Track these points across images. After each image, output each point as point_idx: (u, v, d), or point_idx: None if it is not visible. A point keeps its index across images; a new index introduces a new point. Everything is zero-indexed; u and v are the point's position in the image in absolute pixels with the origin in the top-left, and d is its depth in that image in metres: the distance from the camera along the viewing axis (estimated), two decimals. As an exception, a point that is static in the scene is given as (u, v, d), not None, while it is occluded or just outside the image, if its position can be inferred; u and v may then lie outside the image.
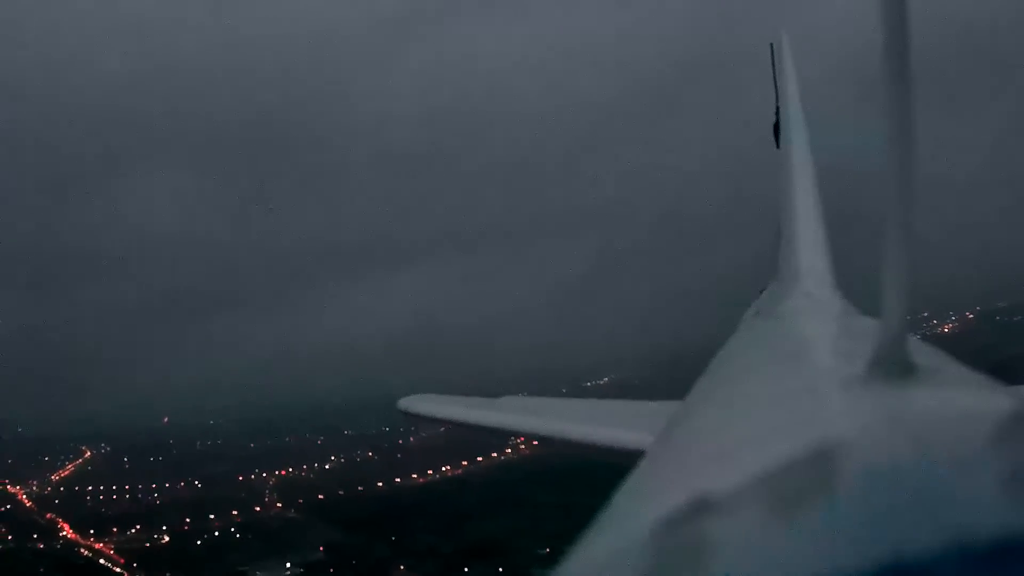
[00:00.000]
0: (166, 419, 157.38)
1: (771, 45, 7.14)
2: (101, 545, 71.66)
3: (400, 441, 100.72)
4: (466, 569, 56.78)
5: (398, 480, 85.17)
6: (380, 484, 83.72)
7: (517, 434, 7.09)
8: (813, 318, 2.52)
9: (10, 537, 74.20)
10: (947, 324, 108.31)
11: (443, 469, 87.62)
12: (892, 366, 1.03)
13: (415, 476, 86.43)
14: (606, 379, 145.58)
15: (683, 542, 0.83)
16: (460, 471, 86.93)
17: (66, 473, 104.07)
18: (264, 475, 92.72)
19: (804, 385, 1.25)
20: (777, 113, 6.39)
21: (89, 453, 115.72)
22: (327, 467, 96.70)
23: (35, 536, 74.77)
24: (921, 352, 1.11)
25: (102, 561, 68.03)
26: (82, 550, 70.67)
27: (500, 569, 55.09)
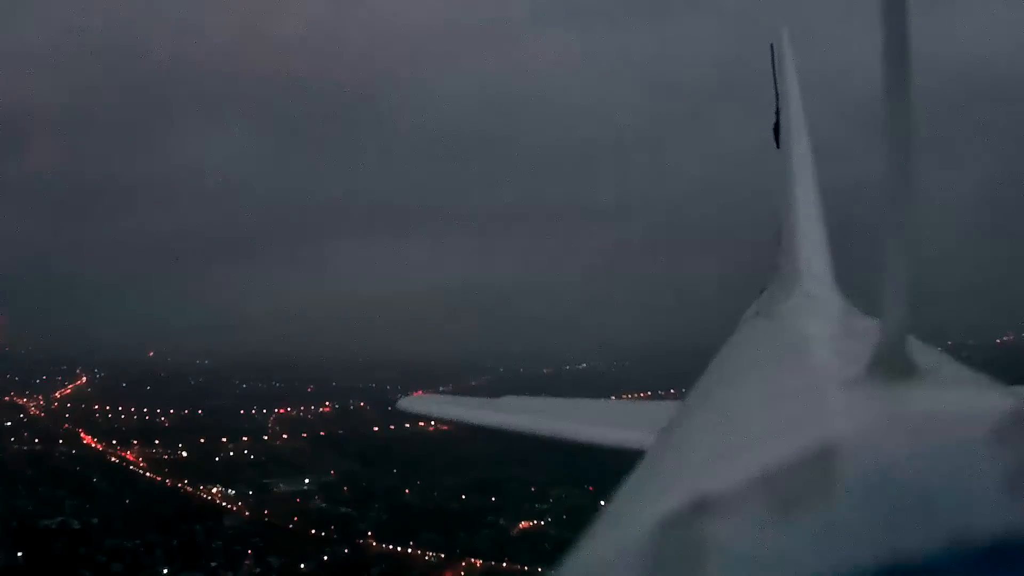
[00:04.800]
0: (151, 352, 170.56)
1: (771, 45, 7.33)
2: (127, 454, 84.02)
3: (389, 392, 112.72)
4: (464, 497, 70.00)
5: (392, 427, 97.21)
6: (376, 428, 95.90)
7: (517, 434, 7.20)
8: (813, 318, 2.61)
9: (37, 440, 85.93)
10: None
11: (432, 424, 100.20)
12: (892, 366, 1.06)
13: (407, 425, 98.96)
14: (584, 365, 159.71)
15: (683, 542, 0.85)
16: (450, 428, 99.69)
17: (67, 392, 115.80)
18: (264, 411, 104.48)
19: (804, 385, 1.30)
20: (777, 113, 6.56)
21: (85, 377, 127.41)
22: (322, 411, 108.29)
23: (60, 442, 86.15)
24: (921, 352, 1.14)
25: (131, 468, 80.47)
26: (111, 457, 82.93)
27: (493, 498, 68.50)
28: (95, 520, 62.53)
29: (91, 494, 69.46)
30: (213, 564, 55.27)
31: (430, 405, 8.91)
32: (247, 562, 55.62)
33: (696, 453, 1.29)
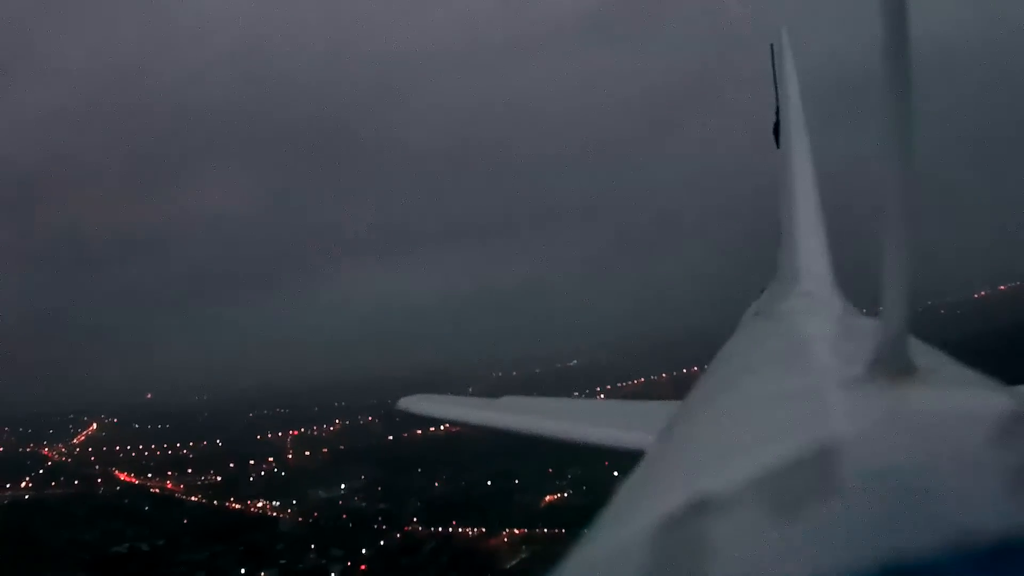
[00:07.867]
0: (149, 395, 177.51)
1: (771, 45, 7.36)
2: (166, 484, 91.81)
3: (390, 405, 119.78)
4: (489, 483, 78.80)
5: (405, 435, 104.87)
6: (390, 438, 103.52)
7: (517, 434, 7.09)
8: (813, 318, 2.62)
9: (76, 482, 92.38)
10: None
11: (442, 427, 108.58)
12: (892, 366, 1.08)
13: (419, 432, 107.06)
14: (575, 362, 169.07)
15: (683, 542, 0.87)
16: (459, 428, 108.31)
17: (83, 439, 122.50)
18: (280, 434, 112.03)
19: (804, 385, 1.32)
20: (777, 113, 6.62)
21: (95, 425, 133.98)
22: (333, 428, 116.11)
23: (98, 481, 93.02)
24: (921, 352, 1.16)
25: (175, 495, 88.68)
26: (152, 488, 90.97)
27: (516, 481, 77.77)
28: (160, 542, 69.74)
29: (147, 521, 76.24)
30: (282, 562, 64.12)
31: (431, 405, 8.95)
32: (312, 556, 64.70)
33: (696, 453, 1.34)
